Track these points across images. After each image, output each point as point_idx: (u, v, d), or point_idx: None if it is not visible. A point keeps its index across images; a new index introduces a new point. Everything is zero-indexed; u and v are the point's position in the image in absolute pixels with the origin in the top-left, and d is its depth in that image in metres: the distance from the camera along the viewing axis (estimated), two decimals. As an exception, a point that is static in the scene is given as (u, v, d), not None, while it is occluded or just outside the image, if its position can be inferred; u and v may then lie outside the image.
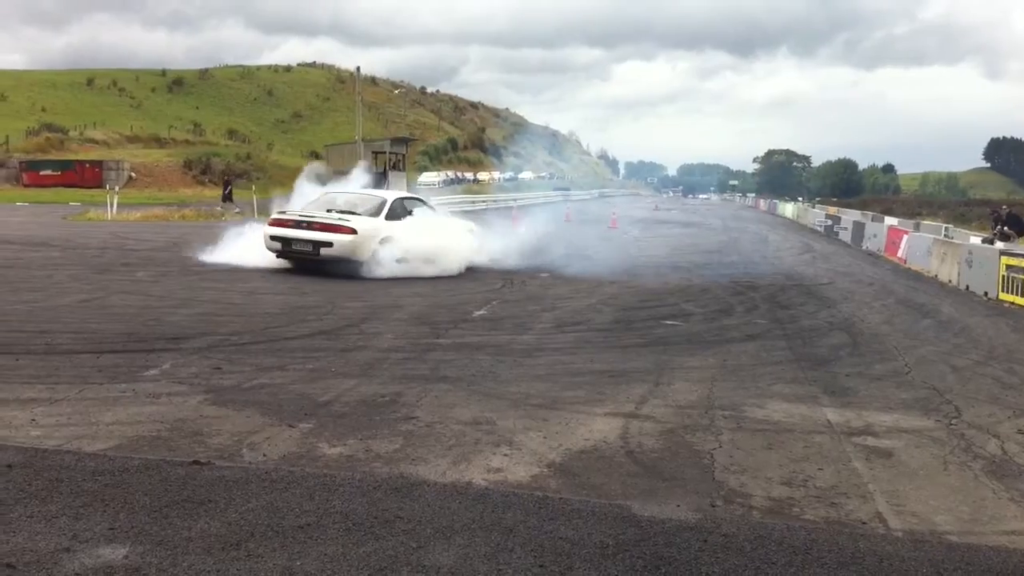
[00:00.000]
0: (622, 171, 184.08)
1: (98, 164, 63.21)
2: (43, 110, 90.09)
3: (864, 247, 33.11)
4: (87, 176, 59.96)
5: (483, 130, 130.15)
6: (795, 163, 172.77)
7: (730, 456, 6.43)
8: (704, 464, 6.24)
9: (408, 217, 17.92)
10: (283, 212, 17.68)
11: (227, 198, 41.22)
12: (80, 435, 6.22)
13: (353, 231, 16.47)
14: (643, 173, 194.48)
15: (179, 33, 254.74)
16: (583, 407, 7.67)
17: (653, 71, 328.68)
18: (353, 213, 17.16)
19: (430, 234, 17.77)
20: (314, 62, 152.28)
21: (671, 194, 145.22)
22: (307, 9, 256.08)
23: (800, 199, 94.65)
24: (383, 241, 16.84)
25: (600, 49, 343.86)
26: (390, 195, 19.27)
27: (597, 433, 6.86)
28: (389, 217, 17.37)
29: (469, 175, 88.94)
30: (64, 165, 63.56)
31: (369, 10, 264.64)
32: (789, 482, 5.93)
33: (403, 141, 58.08)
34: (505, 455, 6.20)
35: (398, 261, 16.89)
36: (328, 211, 17.22)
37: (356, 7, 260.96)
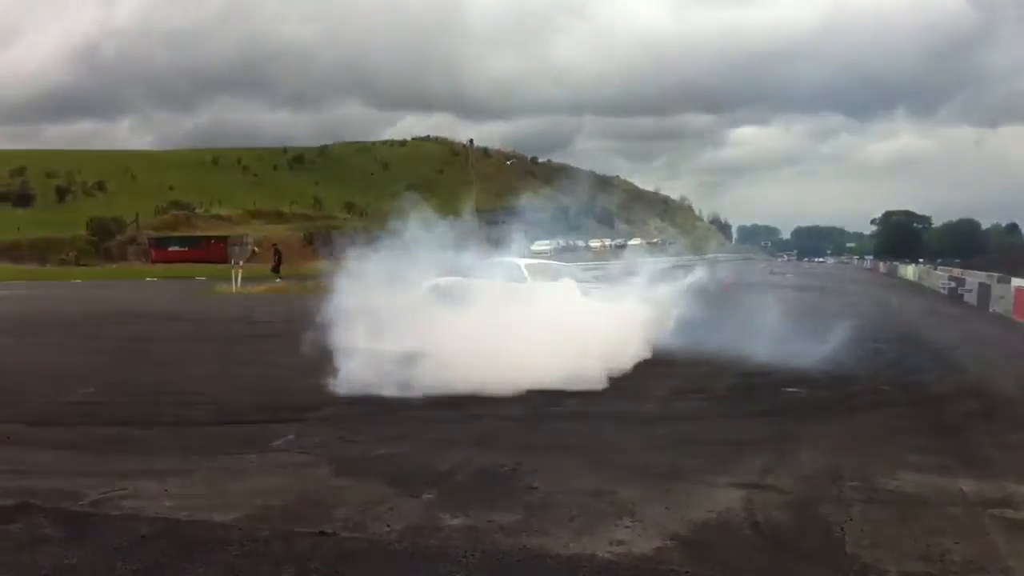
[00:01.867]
0: (735, 236, 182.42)
1: (223, 239, 65.39)
2: (171, 188, 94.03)
3: (991, 309, 31.90)
4: (212, 251, 61.93)
5: (594, 198, 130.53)
6: (915, 224, 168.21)
7: (861, 529, 6.22)
8: (835, 537, 6.05)
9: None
10: None
11: (275, 270, 41.75)
12: (211, 505, 6.40)
13: None
14: (757, 237, 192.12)
15: (300, 112, 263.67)
16: (705, 477, 7.53)
17: (767, 135, 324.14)
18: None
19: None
20: (428, 136, 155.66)
21: (785, 258, 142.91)
22: (424, 86, 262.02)
23: (921, 261, 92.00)
24: None
25: (714, 115, 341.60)
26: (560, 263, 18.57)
27: (720, 504, 6.72)
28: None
29: (580, 242, 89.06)
30: (191, 241, 66.17)
31: (484, 83, 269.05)
32: (925, 556, 5.71)
33: (516, 211, 58.70)
34: (627, 527, 6.12)
35: None
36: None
37: (472, 82, 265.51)
